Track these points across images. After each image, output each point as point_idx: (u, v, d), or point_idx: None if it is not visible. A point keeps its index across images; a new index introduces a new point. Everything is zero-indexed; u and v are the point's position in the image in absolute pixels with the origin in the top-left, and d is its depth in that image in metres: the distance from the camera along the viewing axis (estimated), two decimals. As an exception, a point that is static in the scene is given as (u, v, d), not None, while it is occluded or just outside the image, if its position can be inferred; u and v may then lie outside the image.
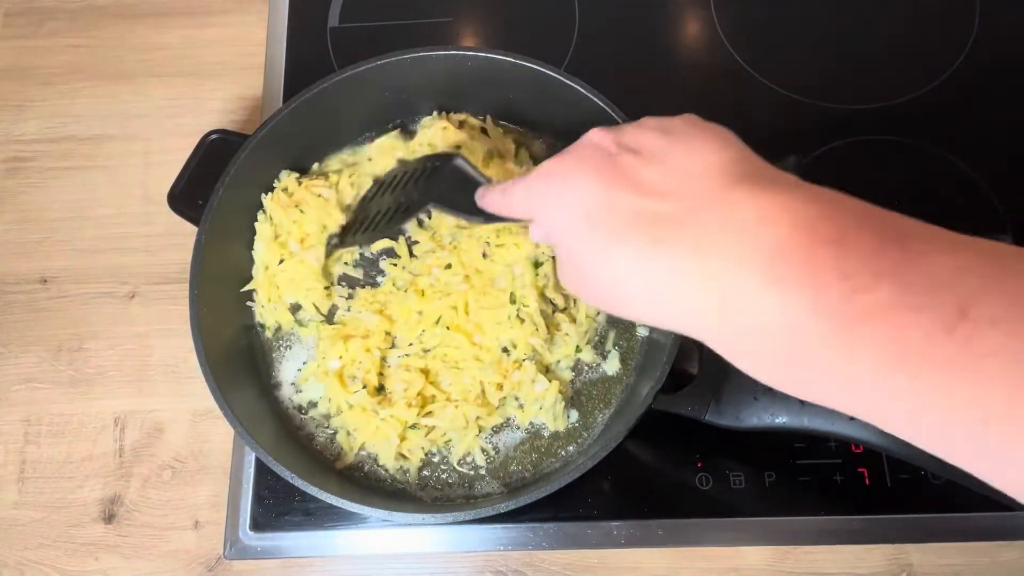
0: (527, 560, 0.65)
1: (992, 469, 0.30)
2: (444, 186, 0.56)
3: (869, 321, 0.30)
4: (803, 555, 0.64)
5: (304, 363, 0.68)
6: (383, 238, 0.70)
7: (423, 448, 0.65)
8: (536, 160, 0.74)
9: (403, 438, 0.64)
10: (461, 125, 0.73)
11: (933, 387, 0.29)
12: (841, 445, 0.64)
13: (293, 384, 0.68)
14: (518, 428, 0.66)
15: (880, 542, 0.63)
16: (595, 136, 0.42)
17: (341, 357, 0.65)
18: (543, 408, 0.64)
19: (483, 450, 0.65)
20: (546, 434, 0.65)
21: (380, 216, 0.63)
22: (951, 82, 0.78)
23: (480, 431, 0.65)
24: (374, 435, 0.64)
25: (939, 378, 0.29)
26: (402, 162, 0.69)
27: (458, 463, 0.65)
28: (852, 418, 0.54)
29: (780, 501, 0.64)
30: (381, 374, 0.66)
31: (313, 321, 0.69)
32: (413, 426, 0.64)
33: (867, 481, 0.63)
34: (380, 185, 0.66)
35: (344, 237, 0.68)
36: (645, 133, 0.40)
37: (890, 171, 0.75)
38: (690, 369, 0.61)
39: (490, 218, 0.50)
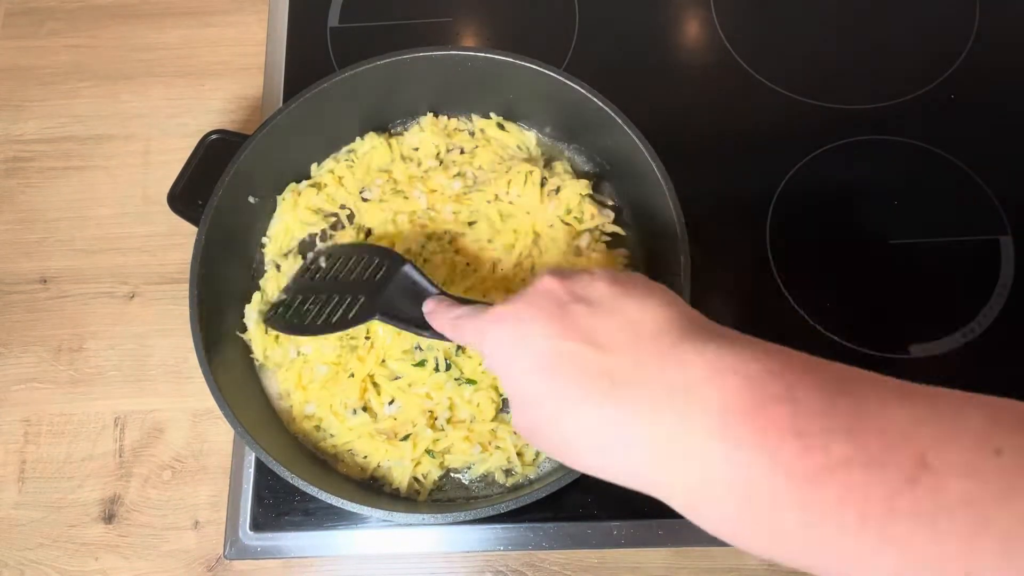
0: (527, 560, 0.65)
1: None
2: (393, 294, 0.55)
3: (828, 480, 0.30)
4: (803, 555, 0.64)
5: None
6: (317, 335, 0.63)
7: (437, 472, 0.64)
8: (544, 160, 0.74)
9: (417, 463, 0.63)
10: (452, 133, 0.73)
11: (905, 541, 0.28)
12: (841, 445, 0.64)
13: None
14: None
15: (880, 542, 0.63)
16: (547, 283, 0.42)
17: (310, 400, 0.65)
18: None
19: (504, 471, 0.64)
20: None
21: (319, 310, 0.60)
22: (951, 82, 0.78)
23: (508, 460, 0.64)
24: (386, 455, 0.64)
25: (908, 530, 0.28)
26: (348, 246, 0.66)
27: (475, 479, 0.64)
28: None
29: (780, 501, 0.63)
30: (376, 384, 0.65)
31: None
32: (427, 451, 0.63)
33: (867, 481, 0.63)
34: (309, 269, 0.66)
35: (275, 319, 0.65)
36: (596, 283, 0.40)
37: (890, 171, 0.75)
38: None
39: (437, 335, 0.50)
